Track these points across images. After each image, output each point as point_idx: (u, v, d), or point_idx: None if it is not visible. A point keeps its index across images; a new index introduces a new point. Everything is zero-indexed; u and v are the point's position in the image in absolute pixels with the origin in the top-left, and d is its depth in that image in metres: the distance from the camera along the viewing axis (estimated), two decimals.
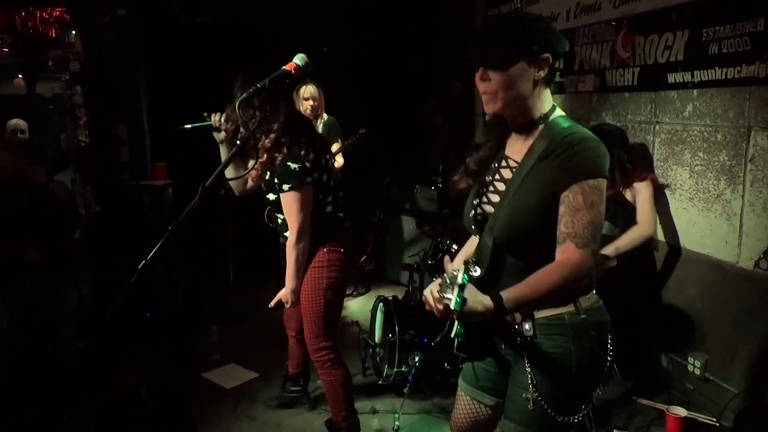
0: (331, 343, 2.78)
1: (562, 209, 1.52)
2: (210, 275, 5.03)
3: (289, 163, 2.48)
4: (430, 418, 3.25)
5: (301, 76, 1.72)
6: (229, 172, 2.73)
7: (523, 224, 1.57)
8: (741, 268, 2.95)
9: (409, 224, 5.30)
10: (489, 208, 1.69)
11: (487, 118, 1.77)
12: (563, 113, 1.65)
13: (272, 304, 2.73)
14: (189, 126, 2.48)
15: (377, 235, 5.63)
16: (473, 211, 1.72)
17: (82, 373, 3.55)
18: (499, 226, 1.61)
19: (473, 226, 1.74)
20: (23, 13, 4.60)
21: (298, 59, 1.72)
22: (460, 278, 1.34)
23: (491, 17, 1.40)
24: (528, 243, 1.58)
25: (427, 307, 1.53)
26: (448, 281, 1.38)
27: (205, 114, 2.61)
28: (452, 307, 1.34)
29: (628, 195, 3.23)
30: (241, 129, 2.54)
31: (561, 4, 4.12)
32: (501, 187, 1.67)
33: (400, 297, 3.83)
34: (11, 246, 3.13)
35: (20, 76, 4.24)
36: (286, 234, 2.68)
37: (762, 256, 2.83)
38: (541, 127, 1.62)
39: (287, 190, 2.50)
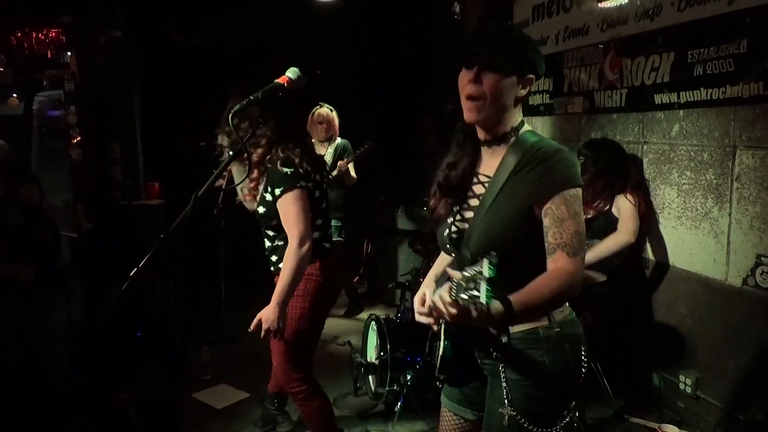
0: (303, 374, 2.64)
1: (547, 221, 1.54)
2: (201, 295, 5.01)
3: (280, 168, 2.41)
4: None
5: (294, 89, 1.74)
6: (238, 179, 2.68)
7: (499, 237, 1.58)
8: (729, 285, 2.98)
9: (401, 243, 5.32)
10: (463, 225, 1.69)
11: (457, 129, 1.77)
12: (530, 128, 1.68)
13: (252, 327, 2.43)
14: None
15: (370, 255, 5.65)
16: (447, 230, 1.72)
17: (73, 392, 3.52)
18: (475, 240, 1.62)
19: (447, 245, 1.74)
20: (19, 34, 4.64)
21: (291, 73, 1.75)
22: (486, 272, 1.27)
23: (494, 24, 1.41)
24: (504, 256, 1.52)
25: (425, 319, 1.52)
26: (466, 281, 1.30)
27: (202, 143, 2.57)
28: (483, 301, 1.26)
29: (614, 211, 3.28)
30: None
31: (550, 28, 4.21)
32: (474, 203, 1.68)
33: (392, 316, 3.83)
34: (3, 264, 3.12)
35: (14, 95, 4.26)
36: (273, 258, 2.62)
37: (750, 273, 2.86)
38: (512, 140, 1.64)
39: (280, 194, 2.40)
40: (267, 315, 2.40)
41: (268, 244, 2.65)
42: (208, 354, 4.19)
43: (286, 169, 2.41)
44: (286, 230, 2.44)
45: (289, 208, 2.40)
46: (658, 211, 3.40)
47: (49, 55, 4.73)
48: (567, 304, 1.69)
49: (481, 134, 1.69)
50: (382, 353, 3.34)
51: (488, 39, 1.59)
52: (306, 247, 2.40)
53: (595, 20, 3.75)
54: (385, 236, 5.45)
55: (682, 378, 3.27)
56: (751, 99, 2.75)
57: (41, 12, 4.61)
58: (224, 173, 2.15)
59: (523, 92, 1.62)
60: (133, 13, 5.03)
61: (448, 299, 1.33)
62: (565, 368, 1.64)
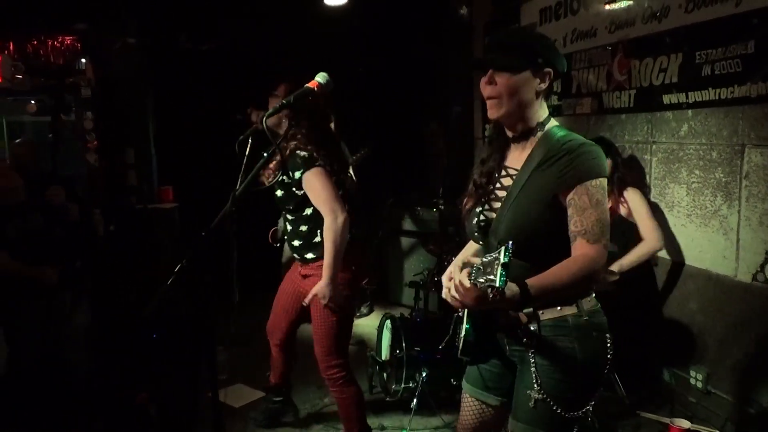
0: (343, 360, 2.80)
1: (570, 211, 1.62)
2: (215, 296, 5.08)
3: (297, 152, 2.55)
4: (436, 431, 3.29)
5: (323, 92, 1.82)
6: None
7: (526, 226, 1.66)
8: (739, 281, 3.03)
9: (410, 245, 5.38)
10: (491, 215, 1.77)
11: (487, 133, 1.87)
12: (557, 123, 1.75)
13: (307, 300, 2.67)
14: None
15: (379, 256, 5.71)
16: (476, 219, 1.81)
17: (94, 393, 3.58)
18: (503, 228, 1.70)
19: (476, 233, 1.82)
20: (35, 42, 4.74)
21: (320, 77, 1.83)
22: (503, 257, 1.36)
23: (505, 29, 1.52)
24: (531, 244, 1.65)
25: (450, 300, 1.58)
26: (484, 266, 1.41)
27: (248, 110, 2.74)
28: (497, 284, 1.35)
29: (622, 211, 3.33)
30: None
31: (558, 30, 4.27)
32: (502, 194, 1.76)
33: (406, 315, 3.90)
34: (27, 266, 3.18)
35: (33, 101, 4.35)
36: (295, 244, 2.75)
37: (759, 269, 2.91)
38: (538, 134, 1.72)
39: (300, 176, 2.55)
40: (322, 291, 2.59)
41: (289, 228, 2.77)
42: (223, 354, 4.25)
43: (302, 153, 2.55)
44: (319, 209, 2.57)
45: (314, 185, 2.54)
46: (667, 210, 3.46)
47: (62, 62, 4.83)
48: (593, 294, 1.75)
49: (508, 131, 1.78)
50: (397, 351, 3.40)
51: (498, 42, 1.73)
52: (341, 219, 2.54)
53: (603, 22, 3.82)
54: (394, 237, 5.51)
55: (692, 373, 3.32)
56: (759, 98, 2.81)
57: (56, 20, 4.71)
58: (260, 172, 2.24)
59: (543, 86, 1.69)
60: (146, 20, 5.12)
61: (467, 284, 1.45)
62: (594, 355, 1.71)
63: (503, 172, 1.80)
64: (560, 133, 1.71)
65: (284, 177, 2.63)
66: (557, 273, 1.57)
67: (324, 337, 2.74)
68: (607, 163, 3.27)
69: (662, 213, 3.48)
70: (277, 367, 3.29)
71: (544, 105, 1.74)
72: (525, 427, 1.74)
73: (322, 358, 2.79)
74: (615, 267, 3.19)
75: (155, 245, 4.50)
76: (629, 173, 3.50)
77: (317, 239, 2.71)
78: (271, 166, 2.62)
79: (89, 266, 3.78)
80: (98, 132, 4.53)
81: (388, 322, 3.64)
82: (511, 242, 1.39)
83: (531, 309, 1.68)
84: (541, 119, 1.73)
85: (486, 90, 1.70)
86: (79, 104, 4.40)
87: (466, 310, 1.82)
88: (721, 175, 3.09)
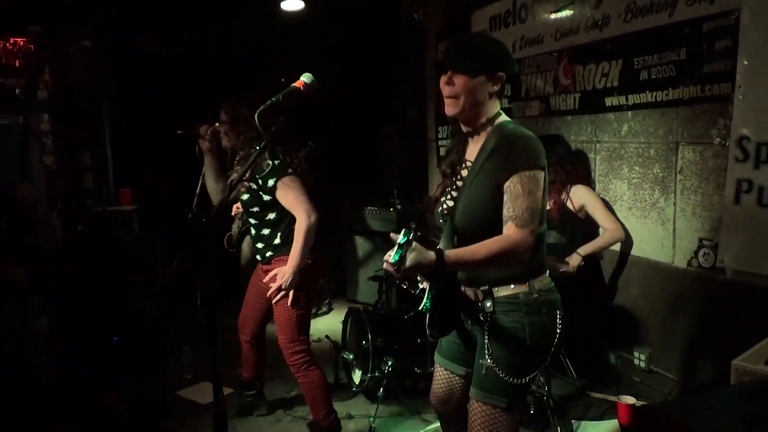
0: (305, 346, 2.96)
1: (505, 197, 1.81)
2: (177, 299, 5.10)
3: (268, 161, 2.73)
4: (403, 419, 3.45)
5: (309, 92, 1.96)
6: (209, 180, 2.97)
7: (476, 212, 1.87)
8: (676, 267, 3.32)
9: (367, 244, 5.52)
10: (451, 203, 1.98)
11: (440, 135, 2.09)
12: (508, 118, 1.96)
13: (267, 279, 2.84)
14: (180, 131, 2.77)
15: (336, 256, 5.83)
16: (440, 207, 2.02)
17: (62, 395, 3.57)
18: (458, 215, 1.91)
19: (441, 220, 2.03)
20: None
21: (306, 77, 1.97)
22: (400, 239, 1.63)
23: (464, 34, 1.68)
24: (480, 227, 1.86)
25: (385, 266, 1.76)
26: (395, 245, 1.67)
27: (197, 124, 2.88)
28: (390, 261, 1.63)
29: (570, 205, 3.56)
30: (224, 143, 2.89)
31: (508, 37, 4.51)
32: (460, 184, 1.97)
33: (371, 309, 4.04)
34: None
35: None
36: (258, 246, 2.92)
37: (693, 255, 3.21)
38: (489, 129, 1.92)
39: (274, 184, 2.72)
40: (283, 272, 2.76)
41: (253, 232, 2.93)
42: (189, 354, 4.29)
43: (271, 162, 2.72)
44: (291, 210, 2.76)
45: (287, 192, 2.73)
46: (611, 204, 3.73)
47: (16, 65, 4.76)
48: (546, 274, 1.96)
49: (464, 127, 1.98)
50: (363, 342, 3.54)
51: (458, 46, 1.92)
52: (314, 218, 2.75)
53: (549, 30, 4.08)
54: (352, 237, 5.64)
55: (636, 354, 3.59)
56: (690, 100, 3.11)
57: (9, 22, 4.64)
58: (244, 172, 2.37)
59: (496, 88, 1.90)
60: (103, 23, 5.10)
61: (386, 258, 1.69)
62: (541, 329, 1.91)
63: (463, 165, 2.00)
64: (509, 126, 1.91)
65: (252, 183, 2.79)
66: (475, 248, 1.77)
67: (287, 326, 2.90)
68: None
69: (608, 207, 3.74)
70: (249, 361, 3.40)
71: (497, 103, 1.93)
72: (479, 393, 1.94)
73: (286, 346, 2.93)
74: (582, 251, 3.42)
75: (115, 247, 4.49)
76: (577, 170, 3.75)
77: (277, 241, 2.90)
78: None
79: (51, 268, 3.76)
80: (55, 134, 4.49)
81: (353, 315, 3.77)
82: (413, 225, 1.66)
83: (486, 286, 1.91)
84: (491, 115, 1.91)
85: (445, 90, 1.89)
86: (35, 106, 4.36)
87: (426, 288, 2.00)
88: (658, 171, 3.38)
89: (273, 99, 1.86)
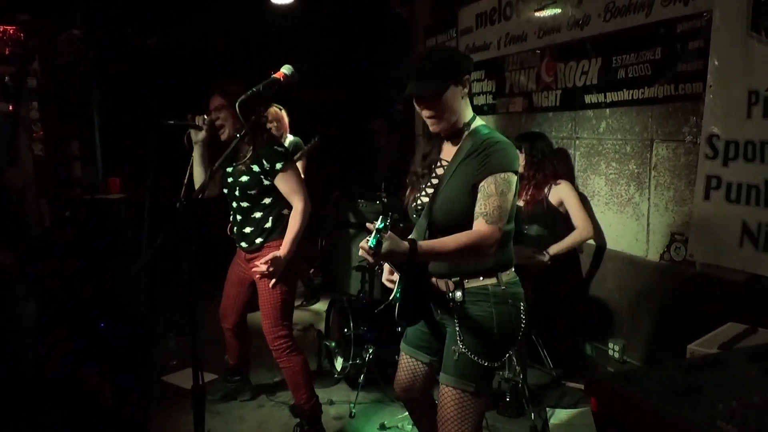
0: (288, 331, 3.05)
1: (479, 195, 1.93)
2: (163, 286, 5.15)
3: (276, 147, 2.85)
4: (382, 405, 3.53)
5: (288, 83, 2.03)
6: (197, 171, 3.02)
7: (451, 209, 1.98)
8: (649, 260, 3.42)
9: (354, 236, 5.60)
10: (425, 199, 2.09)
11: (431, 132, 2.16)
12: (482, 122, 2.07)
13: (264, 260, 2.88)
14: (172, 121, 2.68)
15: (325, 249, 5.90)
16: (414, 203, 2.14)
17: (46, 380, 3.63)
18: (434, 210, 2.01)
19: (414, 215, 2.15)
20: None
21: (286, 69, 2.04)
22: (377, 225, 1.73)
23: (420, 58, 1.71)
24: (454, 223, 1.97)
25: (361, 252, 1.83)
26: (372, 231, 1.75)
27: (189, 116, 2.89)
28: (368, 245, 1.71)
29: (552, 199, 3.66)
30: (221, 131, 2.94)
31: (492, 35, 4.61)
32: (435, 181, 2.08)
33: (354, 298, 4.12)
34: None
35: None
36: (246, 230, 2.98)
37: (666, 249, 3.31)
38: (466, 133, 2.04)
39: (282, 168, 2.83)
40: (278, 259, 2.86)
41: (240, 218, 2.99)
42: (174, 341, 4.36)
43: (280, 148, 2.86)
44: (289, 197, 2.87)
45: (290, 178, 2.85)
46: (589, 199, 3.83)
47: (6, 52, 4.79)
48: (512, 269, 2.08)
49: (442, 132, 2.08)
50: (345, 330, 3.63)
51: (417, 76, 1.98)
52: (309, 207, 2.88)
53: (533, 28, 4.17)
54: (339, 230, 5.72)
55: (611, 345, 3.70)
56: (665, 98, 3.21)
57: None
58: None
59: (465, 90, 2.02)
60: (92, 12, 5.13)
61: (362, 244, 1.77)
62: (508, 318, 2.03)
63: (438, 164, 2.12)
64: (484, 131, 2.02)
65: (255, 165, 2.85)
66: (446, 240, 1.89)
67: (271, 311, 2.98)
68: (521, 158, 3.62)
69: (587, 202, 3.84)
70: (233, 349, 3.48)
71: (469, 105, 2.04)
72: (450, 378, 2.04)
73: (269, 330, 3.01)
74: (555, 248, 3.51)
75: (103, 235, 4.54)
76: (560, 166, 3.84)
77: (268, 225, 2.97)
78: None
79: (39, 254, 3.81)
80: (44, 122, 4.53)
81: (336, 303, 3.86)
82: (390, 213, 1.77)
83: (457, 278, 2.02)
84: (467, 119, 2.03)
85: (424, 113, 2.01)
86: (24, 94, 4.39)
87: (397, 280, 2.11)
88: (634, 167, 3.48)
89: (254, 89, 1.93)
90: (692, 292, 3.15)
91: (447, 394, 2.04)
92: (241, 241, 3.06)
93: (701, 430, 1.01)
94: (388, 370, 3.71)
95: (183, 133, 3.04)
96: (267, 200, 2.95)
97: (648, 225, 3.42)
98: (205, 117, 2.91)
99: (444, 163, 2.08)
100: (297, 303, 5.46)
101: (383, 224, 1.74)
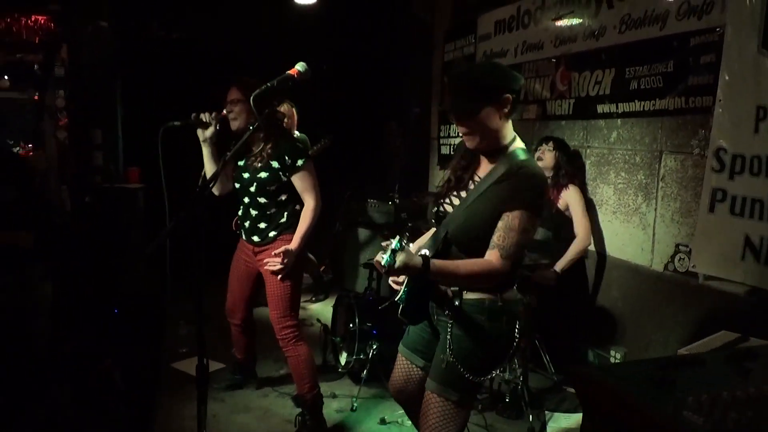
0: (295, 321, 3.12)
1: (500, 224, 1.91)
2: (178, 277, 5.27)
3: (297, 143, 2.95)
4: (384, 400, 3.60)
5: (302, 80, 2.11)
6: (208, 168, 3.06)
7: (473, 228, 1.95)
8: (654, 270, 3.46)
9: (365, 236, 5.67)
10: (449, 208, 2.07)
11: (442, 134, 2.18)
12: (522, 145, 2.03)
13: (277, 251, 2.95)
14: (178, 123, 2.62)
15: (336, 246, 5.99)
16: (436, 208, 2.12)
17: (58, 360, 3.74)
18: (455, 224, 1.99)
19: (433, 220, 2.14)
20: (9, 20, 4.84)
21: (300, 66, 2.12)
22: (394, 245, 1.75)
23: (457, 74, 1.69)
24: (472, 243, 1.97)
25: (376, 264, 1.87)
26: (386, 248, 1.77)
27: (193, 115, 2.90)
28: (383, 263, 1.74)
29: (560, 204, 3.71)
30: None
31: (510, 42, 4.66)
32: (464, 194, 2.04)
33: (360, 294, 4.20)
34: (3, 231, 3.34)
35: (6, 77, 4.46)
36: (261, 226, 3.05)
37: (670, 259, 3.35)
38: (502, 154, 1.97)
39: (302, 165, 2.91)
40: (290, 253, 2.93)
41: (255, 213, 3.04)
42: (184, 328, 4.46)
43: (300, 144, 2.95)
44: (303, 194, 2.95)
45: (309, 175, 2.94)
46: (598, 207, 3.88)
47: (36, 41, 4.94)
48: (515, 287, 2.08)
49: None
50: (350, 325, 3.70)
51: (457, 89, 1.97)
52: (320, 206, 2.97)
53: (549, 37, 4.22)
54: (351, 228, 5.80)
55: (612, 353, 3.73)
56: (675, 111, 3.25)
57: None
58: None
59: (506, 110, 1.93)
60: (119, 5, 5.27)
61: (377, 258, 1.80)
62: (499, 335, 2.04)
63: (471, 177, 2.07)
64: (522, 156, 1.96)
65: (275, 161, 2.91)
66: (460, 264, 1.90)
67: (279, 301, 3.06)
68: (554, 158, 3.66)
69: (593, 210, 3.89)
70: (240, 344, 3.56)
71: (509, 125, 1.99)
72: (436, 385, 2.05)
73: (277, 320, 3.09)
74: (558, 267, 3.56)
75: (120, 223, 4.66)
76: (574, 172, 3.88)
77: (283, 220, 3.05)
78: (264, 152, 2.93)
79: (55, 238, 3.93)
80: (69, 111, 4.66)
81: (343, 299, 3.93)
82: (408, 234, 1.78)
83: (457, 288, 2.02)
84: (506, 141, 1.98)
85: (460, 129, 1.98)
86: (52, 82, 4.53)
87: (405, 281, 2.09)
88: (642, 177, 3.52)
89: (268, 84, 2.01)
90: (694, 303, 3.18)
91: (430, 401, 2.05)
92: (253, 236, 3.10)
93: (668, 419, 1.07)
94: (390, 366, 3.76)
95: (194, 130, 3.00)
96: (283, 196, 3.03)
97: (654, 235, 3.45)
98: (211, 113, 2.90)
99: (477, 178, 2.04)
100: (306, 298, 5.56)
101: (399, 245, 1.75)
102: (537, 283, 3.54)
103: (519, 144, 2.00)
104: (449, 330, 2.03)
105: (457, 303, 2.02)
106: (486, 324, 2.01)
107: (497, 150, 1.98)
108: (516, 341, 2.05)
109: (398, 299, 2.10)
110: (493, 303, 2.01)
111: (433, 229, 2.31)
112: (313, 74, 2.13)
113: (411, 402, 2.34)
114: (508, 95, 1.91)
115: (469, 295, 2.02)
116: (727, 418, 1.07)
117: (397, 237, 1.76)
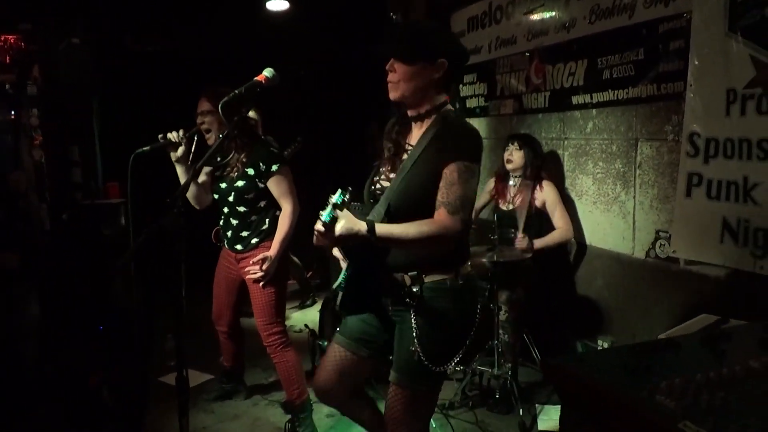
0: (282, 328, 3.12)
1: (441, 183, 1.85)
2: (162, 290, 5.23)
3: (271, 148, 2.93)
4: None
5: (270, 86, 2.09)
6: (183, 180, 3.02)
7: (415, 194, 1.88)
8: (636, 258, 3.47)
9: None
10: (385, 183, 1.99)
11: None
12: (452, 108, 2.01)
13: (256, 259, 2.93)
14: (147, 148, 2.55)
15: (323, 251, 5.97)
16: (372, 186, 2.05)
17: (45, 377, 3.70)
18: (395, 195, 1.90)
19: (371, 199, 2.03)
20: None
21: (267, 72, 2.11)
22: (335, 198, 1.66)
23: (410, 22, 1.69)
24: (417, 209, 1.88)
25: (317, 226, 1.77)
26: (328, 205, 1.68)
27: (160, 136, 2.82)
28: (322, 219, 1.64)
29: (537, 201, 3.69)
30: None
31: (484, 38, 4.67)
32: (399, 166, 1.95)
33: None
34: None
35: None
36: (243, 234, 3.04)
37: (651, 246, 3.36)
38: (434, 117, 1.94)
39: (277, 170, 2.89)
40: (269, 259, 2.92)
41: (236, 222, 3.03)
42: (171, 342, 4.42)
43: (274, 149, 2.93)
44: (280, 198, 2.93)
45: (284, 180, 2.92)
46: (577, 198, 3.88)
47: (7, 61, 4.90)
48: (469, 263, 2.02)
49: (409, 111, 2.02)
50: (338, 329, 3.67)
51: (399, 34, 1.97)
52: (297, 210, 2.94)
53: (522, 31, 4.23)
54: None
55: (600, 342, 3.74)
56: (648, 98, 3.26)
57: (1, 20, 4.78)
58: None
59: (437, 75, 1.90)
60: (92, 20, 5.23)
61: (317, 225, 1.74)
62: (464, 315, 1.99)
63: (403, 149, 2.02)
64: (452, 116, 1.95)
65: (250, 169, 2.90)
66: (407, 226, 1.81)
67: (264, 308, 3.05)
68: (522, 156, 3.66)
69: (573, 202, 3.90)
70: (228, 351, 3.55)
71: (442, 92, 1.96)
72: (400, 377, 1.98)
73: (264, 327, 3.08)
74: (536, 243, 3.55)
75: (103, 239, 4.62)
76: (547, 167, 3.89)
77: (265, 226, 3.04)
78: (238, 162, 2.93)
79: (40, 257, 3.89)
80: (43, 129, 4.62)
81: (329, 303, 3.92)
82: (350, 187, 1.71)
83: (415, 272, 1.92)
84: (436, 103, 1.95)
85: (388, 75, 1.96)
86: (25, 101, 4.49)
87: (344, 267, 2.01)
88: (620, 166, 3.53)
89: (236, 92, 1.99)
90: (677, 288, 3.19)
91: (398, 394, 1.98)
92: (236, 245, 3.09)
93: (641, 404, 1.07)
94: (378, 369, 3.76)
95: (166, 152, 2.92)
96: (263, 203, 3.02)
97: (634, 223, 3.47)
98: (179, 132, 2.85)
99: (409, 147, 1.98)
100: (294, 305, 5.54)
101: (341, 198, 1.65)
102: (523, 273, 3.53)
103: (450, 107, 1.98)
104: (413, 320, 1.92)
105: (417, 289, 1.91)
106: (450, 306, 1.93)
107: (427, 113, 1.95)
108: (477, 317, 1.99)
109: (337, 286, 1.98)
110: (455, 282, 1.94)
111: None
112: (291, 80, 2.11)
113: (340, 399, 2.23)
114: (443, 60, 1.90)
115: (429, 278, 1.92)
116: (700, 400, 1.07)
117: (339, 191, 1.66)
